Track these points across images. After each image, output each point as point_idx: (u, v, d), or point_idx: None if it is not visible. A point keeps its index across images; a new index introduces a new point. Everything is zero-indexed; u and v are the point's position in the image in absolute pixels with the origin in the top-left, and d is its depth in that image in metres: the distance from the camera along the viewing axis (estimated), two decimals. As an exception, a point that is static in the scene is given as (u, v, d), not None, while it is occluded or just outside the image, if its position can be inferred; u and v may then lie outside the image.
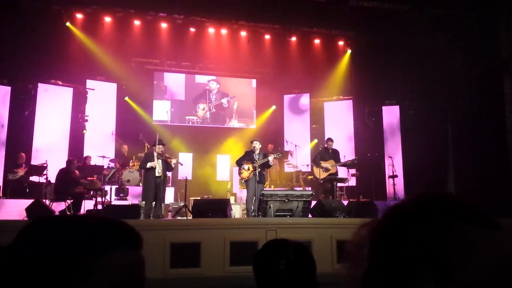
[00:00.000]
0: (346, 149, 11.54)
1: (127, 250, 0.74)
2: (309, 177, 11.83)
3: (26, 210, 7.09)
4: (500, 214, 0.90)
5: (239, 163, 8.99)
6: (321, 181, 9.94)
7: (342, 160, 10.31)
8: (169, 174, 10.99)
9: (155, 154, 8.65)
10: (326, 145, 10.42)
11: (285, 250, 1.52)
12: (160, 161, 8.59)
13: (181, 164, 9.75)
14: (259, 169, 8.75)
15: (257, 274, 1.53)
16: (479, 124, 10.38)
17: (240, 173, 9.01)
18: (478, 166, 9.84)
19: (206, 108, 13.65)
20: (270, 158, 8.88)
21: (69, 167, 9.14)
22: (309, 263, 1.53)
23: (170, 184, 11.26)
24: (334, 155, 10.13)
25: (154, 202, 8.41)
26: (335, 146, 10.50)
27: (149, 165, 8.53)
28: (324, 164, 9.99)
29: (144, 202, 8.47)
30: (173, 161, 8.95)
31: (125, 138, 11.98)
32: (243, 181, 9.13)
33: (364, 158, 12.10)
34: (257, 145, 9.07)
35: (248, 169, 8.81)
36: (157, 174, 8.49)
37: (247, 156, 9.01)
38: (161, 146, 8.74)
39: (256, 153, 8.99)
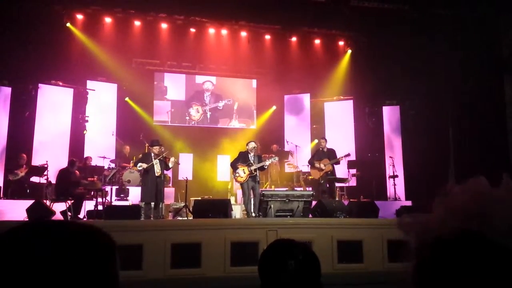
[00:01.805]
0: (346, 149, 11.50)
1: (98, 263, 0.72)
2: (310, 177, 11.81)
3: (27, 210, 7.10)
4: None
5: (234, 166, 8.97)
6: (322, 181, 9.93)
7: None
8: (169, 174, 11.02)
9: (153, 154, 8.65)
10: (321, 145, 10.38)
11: (293, 250, 1.51)
12: (158, 161, 8.59)
13: (179, 164, 9.73)
14: (256, 172, 8.74)
15: (263, 274, 1.52)
16: (480, 124, 10.38)
17: (235, 177, 8.98)
18: (479, 166, 9.82)
19: (200, 110, 13.62)
20: (267, 162, 8.88)
21: (70, 167, 9.13)
22: (316, 263, 1.52)
23: (170, 185, 11.25)
24: (329, 154, 10.10)
25: (153, 203, 8.41)
26: (336, 145, 10.48)
27: (139, 165, 8.53)
28: (317, 164, 9.96)
29: (144, 203, 8.46)
30: (172, 160, 8.94)
31: (126, 138, 11.97)
32: (239, 184, 9.13)
33: (364, 158, 12.10)
34: (251, 146, 9.02)
35: (244, 172, 8.79)
36: (156, 174, 8.48)
37: (242, 158, 8.97)
38: (157, 147, 8.73)
39: (251, 154, 8.95)
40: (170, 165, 8.97)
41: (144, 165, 8.50)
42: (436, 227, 0.88)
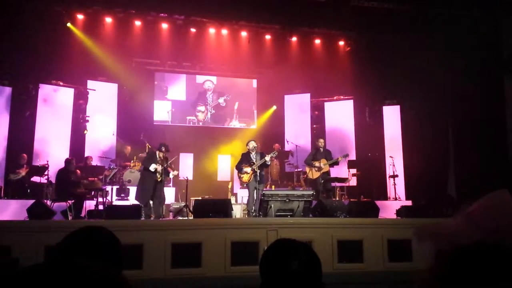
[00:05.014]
0: (346, 149, 11.53)
1: None
2: (308, 177, 11.81)
3: (27, 210, 7.10)
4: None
5: (238, 167, 9.00)
6: (322, 181, 9.91)
7: None
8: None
9: (157, 158, 8.63)
10: (318, 145, 10.31)
11: (296, 251, 1.52)
12: (160, 166, 8.59)
13: (179, 177, 9.84)
14: (259, 170, 8.75)
15: (265, 273, 1.52)
16: (480, 124, 10.38)
17: (240, 178, 9.02)
18: (478, 166, 9.84)
19: (204, 110, 13.66)
20: (267, 158, 8.87)
21: (68, 167, 9.13)
22: (318, 264, 1.53)
23: (171, 184, 11.26)
24: (326, 154, 10.06)
25: (151, 202, 8.43)
26: (336, 145, 10.45)
27: (152, 167, 8.49)
28: (317, 163, 9.92)
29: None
30: (173, 172, 9.03)
31: (126, 138, 11.98)
32: (244, 184, 9.16)
33: (365, 158, 12.11)
34: (251, 145, 9.05)
35: (247, 172, 8.81)
36: (156, 178, 8.49)
37: (245, 159, 9.00)
38: (163, 152, 8.73)
39: (252, 154, 8.98)
40: (171, 175, 9.02)
41: (159, 168, 8.49)
42: (455, 238, 0.94)
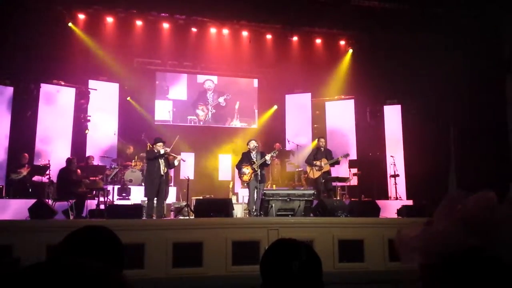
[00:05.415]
0: (347, 149, 11.53)
1: None
2: (310, 176, 11.80)
3: (29, 210, 7.12)
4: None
5: (239, 167, 9.02)
6: (323, 180, 9.92)
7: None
8: (171, 173, 11.02)
9: (156, 151, 8.62)
10: (319, 144, 10.31)
11: (297, 251, 1.52)
12: (162, 159, 8.58)
13: (184, 161, 9.72)
14: (259, 170, 8.76)
15: (265, 273, 1.52)
16: (481, 124, 10.37)
17: (240, 177, 9.03)
18: (479, 166, 9.83)
19: (205, 110, 13.66)
20: (267, 157, 8.88)
21: (69, 166, 9.15)
22: (318, 264, 1.53)
23: (172, 184, 11.27)
24: (326, 154, 10.06)
25: (156, 200, 8.43)
26: (337, 145, 10.44)
27: (162, 151, 8.44)
28: (318, 162, 9.92)
29: (146, 202, 8.48)
30: (178, 158, 8.96)
31: (128, 138, 12.00)
32: (244, 184, 9.17)
33: (365, 157, 12.10)
34: (252, 145, 9.07)
35: (248, 171, 8.83)
36: (161, 173, 8.48)
37: (245, 158, 9.01)
38: (161, 144, 8.70)
39: (253, 153, 9.00)
40: (176, 163, 8.97)
41: (168, 149, 8.47)
42: (441, 243, 0.91)
